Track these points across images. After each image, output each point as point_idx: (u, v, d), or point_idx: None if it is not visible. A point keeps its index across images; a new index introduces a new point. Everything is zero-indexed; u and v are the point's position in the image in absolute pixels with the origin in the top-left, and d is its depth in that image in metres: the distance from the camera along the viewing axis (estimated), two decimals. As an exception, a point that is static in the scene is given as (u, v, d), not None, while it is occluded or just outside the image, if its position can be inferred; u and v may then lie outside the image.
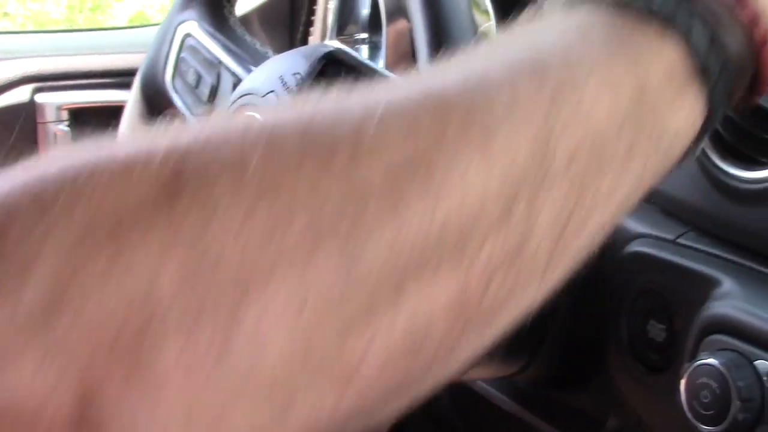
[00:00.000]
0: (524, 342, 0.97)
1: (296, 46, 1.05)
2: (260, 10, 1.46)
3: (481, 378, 1.07)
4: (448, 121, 0.39)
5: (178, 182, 0.32)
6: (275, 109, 0.38)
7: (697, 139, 0.48)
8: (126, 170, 0.33)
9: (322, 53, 0.85)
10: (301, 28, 1.40)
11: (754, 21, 0.46)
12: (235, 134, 0.36)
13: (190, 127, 0.37)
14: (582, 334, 0.96)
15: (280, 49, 1.39)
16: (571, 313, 0.95)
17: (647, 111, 0.44)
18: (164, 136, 0.35)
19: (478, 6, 1.18)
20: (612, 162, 0.43)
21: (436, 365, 0.40)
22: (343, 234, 0.34)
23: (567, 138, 0.41)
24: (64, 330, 0.29)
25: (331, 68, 0.85)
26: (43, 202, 0.31)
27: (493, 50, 0.45)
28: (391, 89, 0.42)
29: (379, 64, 0.86)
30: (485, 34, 1.18)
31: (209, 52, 1.03)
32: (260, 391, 0.33)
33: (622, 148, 0.43)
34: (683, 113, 0.46)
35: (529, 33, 0.46)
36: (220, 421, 0.32)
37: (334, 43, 0.98)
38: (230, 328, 0.31)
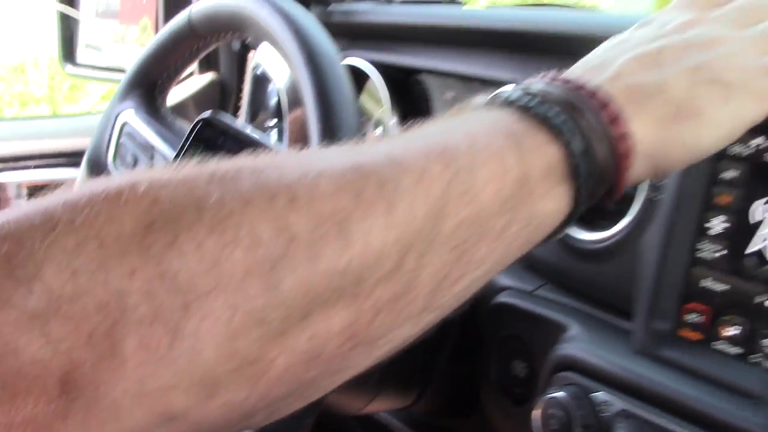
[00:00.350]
0: (415, 379, 0.99)
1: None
2: (194, 97, 1.48)
3: (384, 410, 1.09)
4: (365, 186, 0.42)
5: (152, 213, 0.37)
6: (237, 159, 0.42)
7: (562, 224, 0.51)
8: (116, 196, 0.38)
9: (198, 119, 0.88)
10: (230, 113, 1.43)
11: (621, 138, 0.49)
12: (202, 177, 0.40)
13: (171, 168, 0.41)
14: (462, 372, 0.98)
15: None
16: (452, 354, 0.97)
17: (525, 197, 0.47)
18: (150, 174, 0.40)
19: (372, 95, 1.22)
20: (489, 234, 0.46)
21: (327, 375, 0.43)
22: (269, 268, 0.38)
23: (456, 211, 0.44)
24: (56, 326, 0.34)
25: (207, 131, 0.89)
26: (51, 222, 0.36)
27: (415, 135, 0.48)
28: (328, 156, 0.45)
29: (284, 146, 0.89)
30: (380, 120, 1.22)
31: (144, 137, 1.05)
32: (193, 380, 0.37)
33: (500, 224, 0.46)
34: (553, 203, 0.48)
35: (449, 123, 0.49)
36: (160, 397, 0.37)
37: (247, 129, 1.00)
38: (176, 330, 0.36)
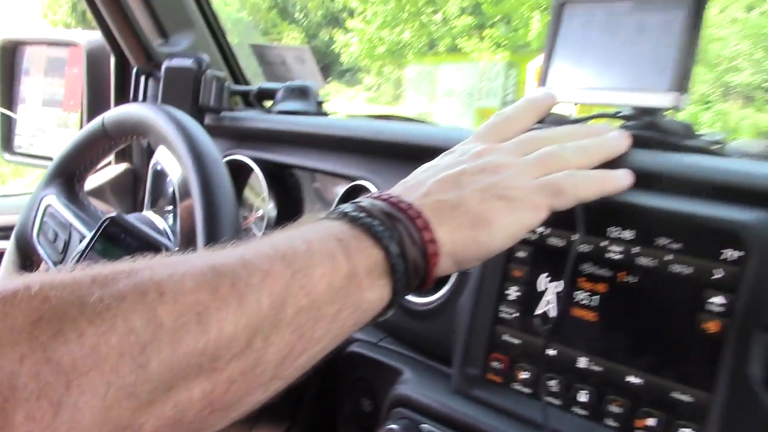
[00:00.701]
0: (287, 413, 0.98)
1: (139, 211, 1.06)
2: (111, 183, 1.44)
3: (261, 439, 1.08)
4: (221, 284, 0.43)
5: (41, 310, 0.38)
6: (117, 264, 0.43)
7: (385, 309, 0.52)
8: (11, 296, 0.38)
9: (105, 218, 0.88)
10: (141, 197, 1.40)
11: (429, 242, 0.51)
12: (86, 280, 0.40)
13: (59, 271, 0.41)
14: (323, 407, 0.97)
15: (127, 212, 1.39)
16: (315, 393, 0.97)
17: (353, 289, 0.48)
18: (42, 277, 0.40)
19: (254, 185, 1.23)
20: (324, 318, 0.47)
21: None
22: (139, 351, 0.39)
23: (296, 300, 0.45)
24: None
25: (112, 228, 0.88)
26: None
27: (265, 241, 0.49)
28: (192, 259, 0.45)
29: (177, 228, 0.88)
30: (259, 205, 1.22)
31: (63, 217, 1.02)
32: None
33: (333, 310, 0.47)
34: (376, 293, 0.50)
35: (293, 231, 0.50)
36: None
37: (149, 213, 0.99)
38: (59, 404, 0.36)
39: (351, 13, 14.44)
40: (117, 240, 0.87)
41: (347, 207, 0.52)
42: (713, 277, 0.60)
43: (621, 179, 0.62)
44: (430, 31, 13.56)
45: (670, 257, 0.62)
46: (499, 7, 12.18)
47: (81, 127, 1.42)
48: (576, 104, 0.74)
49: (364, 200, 0.53)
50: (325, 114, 1.24)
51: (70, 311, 0.38)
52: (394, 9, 13.60)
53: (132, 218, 0.94)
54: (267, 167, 1.18)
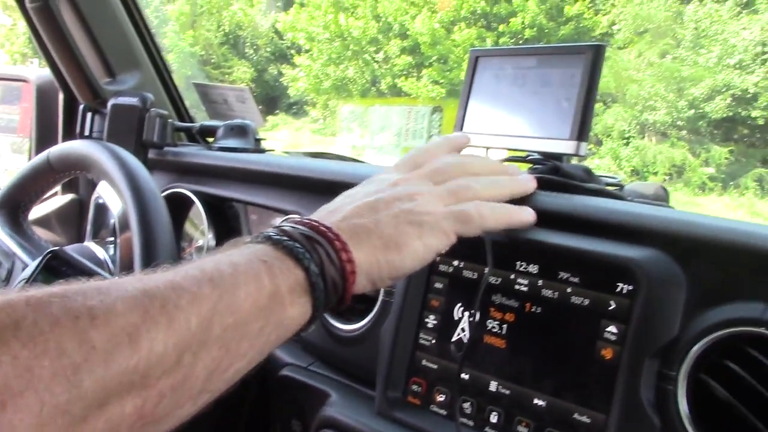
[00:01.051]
0: (225, 426, 0.98)
1: (83, 241, 1.05)
2: (56, 213, 1.41)
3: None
4: (151, 306, 0.43)
5: None
6: (51, 287, 0.42)
7: (307, 324, 0.52)
8: None
9: (47, 251, 0.87)
10: (86, 227, 1.38)
11: (347, 262, 0.52)
12: (20, 303, 0.40)
13: None
14: (257, 427, 0.97)
15: (72, 241, 1.37)
16: (249, 414, 0.97)
17: (276, 306, 0.49)
18: None
19: (195, 216, 1.23)
20: (249, 334, 0.47)
21: None
22: (72, 372, 0.38)
23: (223, 319, 0.46)
24: None
25: (53, 261, 0.87)
26: None
27: (194, 265, 0.49)
28: (124, 283, 0.45)
29: (117, 258, 0.88)
30: (199, 236, 1.21)
31: (7, 246, 1.00)
32: None
33: (257, 326, 0.48)
34: (299, 309, 0.50)
35: (220, 256, 0.50)
36: None
37: (90, 244, 0.98)
38: None
39: (298, 50, 14.50)
40: (58, 272, 0.86)
41: (270, 231, 0.53)
42: (609, 308, 0.62)
43: (526, 215, 0.64)
44: (372, 68, 13.70)
45: (570, 290, 0.64)
46: (436, 48, 12.41)
47: (30, 158, 1.40)
48: (488, 149, 0.75)
49: (285, 224, 0.54)
50: (263, 151, 1.25)
51: (5, 334, 0.38)
52: (339, 47, 13.72)
53: (73, 250, 0.93)
54: (207, 200, 1.18)
